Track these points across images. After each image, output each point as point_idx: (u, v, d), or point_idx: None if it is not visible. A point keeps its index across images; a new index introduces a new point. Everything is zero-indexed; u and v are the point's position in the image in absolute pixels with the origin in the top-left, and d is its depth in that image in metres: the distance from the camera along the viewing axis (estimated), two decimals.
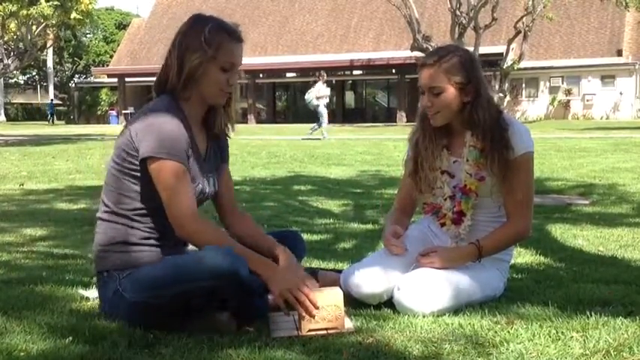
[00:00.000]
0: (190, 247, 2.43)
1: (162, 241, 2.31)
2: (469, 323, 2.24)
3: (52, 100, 46.54)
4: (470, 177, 2.54)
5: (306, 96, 17.75)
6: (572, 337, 2.09)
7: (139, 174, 2.26)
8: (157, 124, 2.21)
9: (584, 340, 2.06)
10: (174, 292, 2.15)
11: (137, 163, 2.24)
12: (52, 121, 42.15)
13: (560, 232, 4.15)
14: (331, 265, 3.18)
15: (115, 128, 22.94)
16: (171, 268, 2.18)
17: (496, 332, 2.15)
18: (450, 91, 2.47)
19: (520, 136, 2.52)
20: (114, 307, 2.28)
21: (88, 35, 57.47)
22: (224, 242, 2.23)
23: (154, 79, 2.38)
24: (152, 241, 2.30)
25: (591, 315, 2.27)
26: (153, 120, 2.22)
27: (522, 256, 3.38)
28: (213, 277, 2.09)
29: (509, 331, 2.15)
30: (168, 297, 2.16)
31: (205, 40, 2.25)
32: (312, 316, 2.15)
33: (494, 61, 30.78)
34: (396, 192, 3.08)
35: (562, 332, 2.13)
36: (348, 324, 2.23)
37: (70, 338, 2.11)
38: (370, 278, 2.46)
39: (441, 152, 2.59)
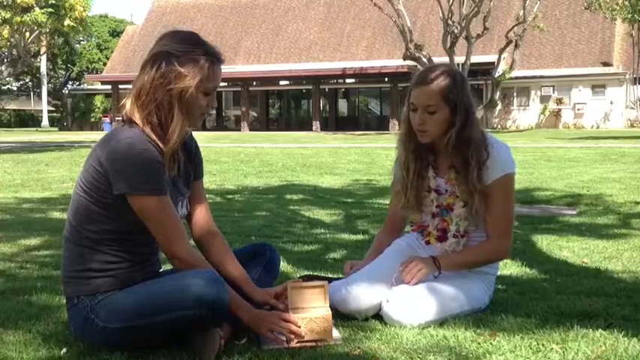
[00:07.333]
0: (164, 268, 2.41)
1: (133, 265, 2.21)
2: (453, 335, 2.31)
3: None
4: (446, 192, 2.62)
5: None
6: (552, 348, 2.16)
7: (105, 200, 2.13)
8: (131, 153, 2.08)
9: (563, 352, 2.13)
10: (154, 322, 2.06)
11: (105, 192, 2.12)
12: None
13: (547, 243, 4.23)
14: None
15: None
16: (152, 295, 2.09)
17: (479, 344, 2.22)
18: (445, 111, 2.53)
19: (500, 158, 2.57)
20: (86, 333, 2.17)
21: (81, 42, 57.41)
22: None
23: None
24: (122, 266, 2.19)
25: (572, 327, 2.35)
26: (126, 148, 2.09)
27: (508, 268, 3.45)
28: (199, 307, 2.02)
29: (491, 343, 2.22)
30: (147, 327, 2.07)
31: (184, 68, 2.11)
32: (302, 337, 2.20)
33: (485, 71, 31.06)
34: (386, 202, 3.15)
35: (542, 344, 2.20)
36: (336, 335, 2.29)
37: (65, 350, 2.17)
38: (356, 295, 2.52)
39: (427, 171, 2.65)
